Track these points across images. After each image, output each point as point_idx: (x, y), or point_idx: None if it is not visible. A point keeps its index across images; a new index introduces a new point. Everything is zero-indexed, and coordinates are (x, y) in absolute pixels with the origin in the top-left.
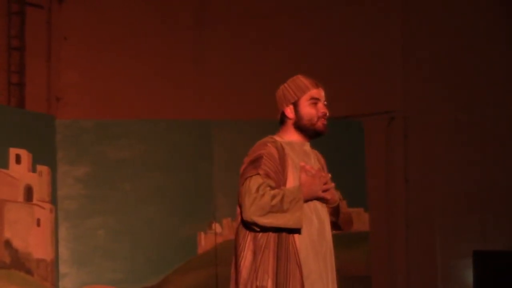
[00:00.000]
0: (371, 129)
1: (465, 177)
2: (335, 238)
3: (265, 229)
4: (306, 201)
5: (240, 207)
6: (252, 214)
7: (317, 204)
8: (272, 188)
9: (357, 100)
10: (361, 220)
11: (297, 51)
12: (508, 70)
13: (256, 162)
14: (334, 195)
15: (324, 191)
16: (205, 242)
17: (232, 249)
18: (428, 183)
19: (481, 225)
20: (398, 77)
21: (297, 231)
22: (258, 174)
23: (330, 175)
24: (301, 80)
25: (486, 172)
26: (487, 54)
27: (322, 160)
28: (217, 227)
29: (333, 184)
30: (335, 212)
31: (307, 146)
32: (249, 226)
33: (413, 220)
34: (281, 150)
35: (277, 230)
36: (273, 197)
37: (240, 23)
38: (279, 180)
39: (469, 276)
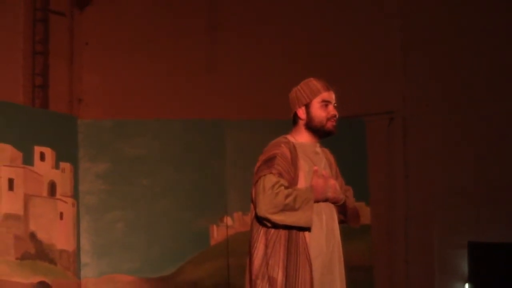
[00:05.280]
0: (373, 128)
1: (461, 172)
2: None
3: (276, 225)
4: (317, 201)
5: (254, 203)
6: (266, 211)
7: (327, 203)
8: (286, 187)
9: (359, 101)
10: (363, 214)
11: (304, 53)
12: (505, 71)
13: (270, 161)
14: (337, 193)
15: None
16: (217, 235)
17: (243, 241)
18: (426, 178)
19: (476, 218)
20: (398, 79)
21: (307, 229)
22: (272, 173)
23: (334, 171)
24: (314, 83)
25: (481, 168)
26: (486, 55)
27: (331, 157)
28: (228, 220)
29: (335, 182)
30: (342, 210)
31: (317, 147)
32: (261, 221)
33: (412, 213)
34: (293, 151)
35: (288, 226)
36: (287, 196)
37: (252, 26)
38: (291, 179)
39: (464, 266)
